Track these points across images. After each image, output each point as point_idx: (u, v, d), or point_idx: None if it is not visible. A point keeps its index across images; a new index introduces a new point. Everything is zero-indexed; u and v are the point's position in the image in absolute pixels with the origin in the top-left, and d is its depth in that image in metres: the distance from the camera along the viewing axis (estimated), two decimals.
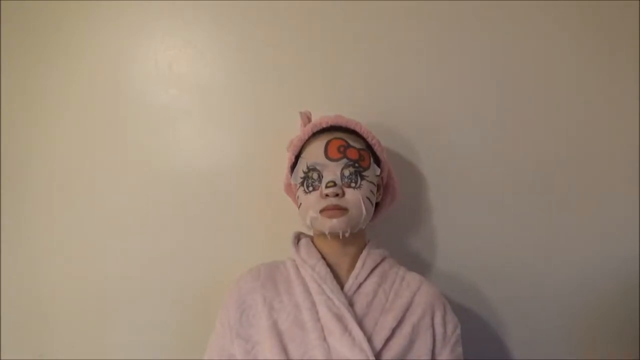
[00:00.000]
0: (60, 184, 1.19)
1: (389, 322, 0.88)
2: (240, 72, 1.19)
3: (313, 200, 0.91)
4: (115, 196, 1.18)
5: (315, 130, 0.96)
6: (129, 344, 1.18)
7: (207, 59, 1.20)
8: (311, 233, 1.01)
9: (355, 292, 0.92)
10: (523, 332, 1.18)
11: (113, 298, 1.18)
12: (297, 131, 1.00)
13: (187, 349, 1.14)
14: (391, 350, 0.86)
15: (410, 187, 1.16)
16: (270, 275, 0.95)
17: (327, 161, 0.91)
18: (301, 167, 0.95)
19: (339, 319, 0.87)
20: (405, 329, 0.89)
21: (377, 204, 1.00)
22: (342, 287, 0.93)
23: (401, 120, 1.17)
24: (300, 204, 0.94)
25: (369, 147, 0.97)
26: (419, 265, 1.17)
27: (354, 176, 0.91)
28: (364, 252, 0.97)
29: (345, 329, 0.86)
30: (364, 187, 0.91)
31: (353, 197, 0.90)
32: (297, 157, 0.97)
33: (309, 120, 1.01)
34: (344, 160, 0.91)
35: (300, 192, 0.94)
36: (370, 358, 0.83)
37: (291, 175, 0.98)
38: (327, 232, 0.91)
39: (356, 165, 0.92)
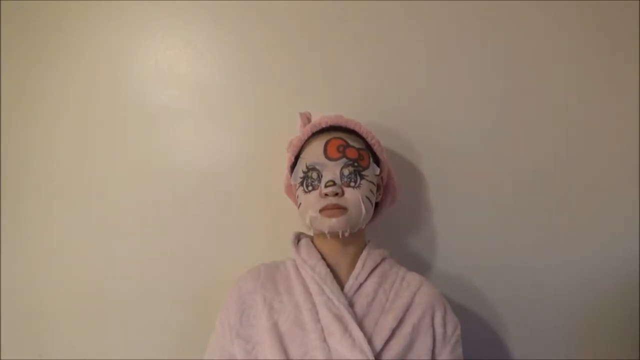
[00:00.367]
0: (60, 184, 1.19)
1: (389, 322, 0.88)
2: (240, 72, 1.20)
3: (312, 200, 0.91)
4: (115, 196, 1.18)
5: (314, 130, 0.96)
6: (129, 344, 1.18)
7: (207, 59, 1.20)
8: (311, 233, 1.01)
9: (355, 292, 0.92)
10: (523, 332, 1.18)
11: (113, 298, 1.18)
12: (296, 131, 1.00)
13: (187, 349, 1.14)
14: (391, 350, 0.86)
15: (410, 187, 1.16)
16: (270, 275, 0.95)
17: (326, 161, 0.91)
18: (301, 167, 0.95)
19: (339, 319, 0.87)
20: (405, 329, 0.89)
21: (377, 204, 1.00)
22: (342, 287, 0.93)
23: (401, 120, 1.17)
24: (300, 203, 0.94)
25: (368, 147, 0.97)
26: (419, 265, 1.17)
27: (353, 175, 0.91)
28: (364, 252, 0.96)
29: (346, 329, 0.86)
30: (363, 186, 0.92)
31: (352, 196, 0.90)
32: (297, 157, 0.97)
33: (309, 120, 1.01)
34: (343, 160, 0.91)
35: (299, 191, 0.94)
36: (370, 359, 0.83)
37: (291, 176, 0.98)
38: (326, 232, 0.91)
39: (355, 164, 0.92)
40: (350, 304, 0.90)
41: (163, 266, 1.18)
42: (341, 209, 0.89)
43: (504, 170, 1.18)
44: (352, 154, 0.92)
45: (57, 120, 1.20)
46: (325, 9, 1.18)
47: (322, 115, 0.99)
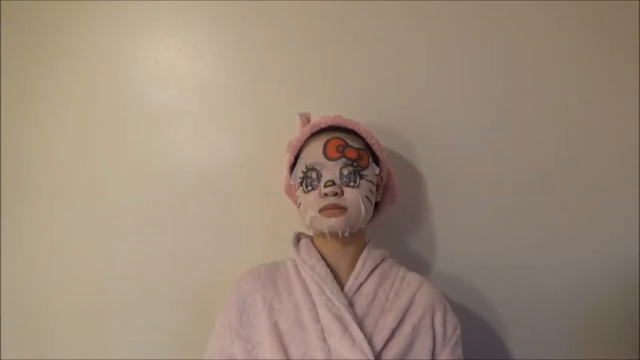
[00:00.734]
0: (60, 184, 1.19)
1: (389, 322, 0.88)
2: (240, 72, 1.20)
3: (312, 200, 0.91)
4: (115, 196, 1.18)
5: (314, 130, 0.96)
6: (129, 344, 1.18)
7: (207, 59, 1.20)
8: (311, 233, 1.01)
9: (355, 292, 0.92)
10: (523, 332, 1.18)
11: (113, 298, 1.18)
12: (296, 131, 1.00)
13: (187, 349, 1.14)
14: (391, 350, 0.86)
15: (410, 187, 1.16)
16: (270, 275, 0.95)
17: (325, 161, 0.91)
18: (300, 167, 0.95)
19: (339, 319, 0.87)
20: (405, 329, 0.89)
21: (376, 204, 1.00)
22: (342, 287, 0.93)
23: (401, 120, 1.17)
24: (300, 203, 0.94)
25: (367, 147, 0.96)
26: (419, 265, 1.17)
27: (352, 175, 0.91)
28: (364, 252, 0.96)
29: (346, 330, 0.86)
30: (362, 186, 0.91)
31: (352, 196, 0.90)
32: (296, 157, 0.97)
33: (308, 121, 1.01)
34: (343, 160, 0.91)
35: (299, 192, 0.94)
36: (371, 359, 0.83)
37: (290, 176, 0.98)
38: (326, 232, 0.91)
39: (355, 164, 0.92)
40: (350, 304, 0.90)
41: (163, 266, 1.18)
42: (341, 209, 0.89)
43: (504, 170, 1.18)
44: (352, 153, 0.92)
45: (57, 120, 1.20)
46: (325, 9, 1.18)
47: (322, 115, 0.99)
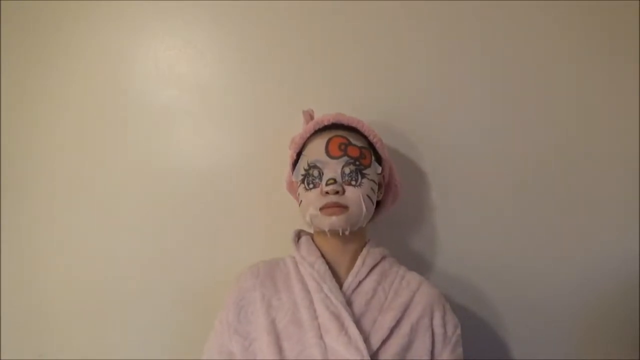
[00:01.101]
0: (60, 184, 1.19)
1: (387, 321, 0.88)
2: (240, 72, 1.20)
3: (313, 198, 0.91)
4: (115, 196, 1.18)
5: (317, 127, 0.96)
6: (129, 344, 1.18)
7: (207, 59, 1.20)
8: (312, 230, 1.01)
9: (354, 290, 0.92)
10: (523, 332, 1.18)
11: (113, 298, 1.18)
12: (297, 131, 1.00)
13: (187, 349, 1.13)
14: (389, 350, 0.86)
15: (411, 187, 1.16)
16: (269, 272, 0.95)
17: (328, 159, 0.91)
18: (302, 164, 0.95)
19: (336, 317, 0.87)
20: (404, 329, 0.89)
21: (378, 203, 1.01)
22: (341, 285, 0.93)
23: (401, 120, 1.17)
24: (301, 201, 0.94)
25: (370, 146, 0.97)
26: (419, 264, 1.17)
27: (354, 174, 0.91)
28: (364, 251, 0.97)
29: (342, 327, 0.86)
30: (364, 185, 0.91)
31: (353, 195, 0.90)
32: (299, 154, 0.97)
33: (312, 118, 1.01)
34: (345, 158, 0.91)
35: (301, 189, 0.95)
36: (366, 358, 0.83)
37: (292, 173, 0.98)
38: (326, 230, 0.91)
39: (357, 163, 0.92)
40: (349, 302, 0.90)
41: (163, 266, 1.17)
42: (342, 208, 0.89)
43: (504, 170, 1.18)
44: (354, 152, 0.92)
45: (57, 120, 1.20)
46: (325, 9, 1.18)
47: (323, 114, 0.99)
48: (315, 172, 0.92)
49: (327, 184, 0.90)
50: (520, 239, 1.18)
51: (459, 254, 1.18)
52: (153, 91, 1.20)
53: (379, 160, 0.97)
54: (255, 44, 1.19)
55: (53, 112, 1.20)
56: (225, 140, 1.20)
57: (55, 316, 1.19)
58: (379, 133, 0.99)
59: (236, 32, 1.19)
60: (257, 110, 1.18)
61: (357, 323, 0.87)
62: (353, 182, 0.91)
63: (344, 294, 0.91)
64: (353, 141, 0.93)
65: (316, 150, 0.93)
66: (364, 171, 0.92)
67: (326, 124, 0.96)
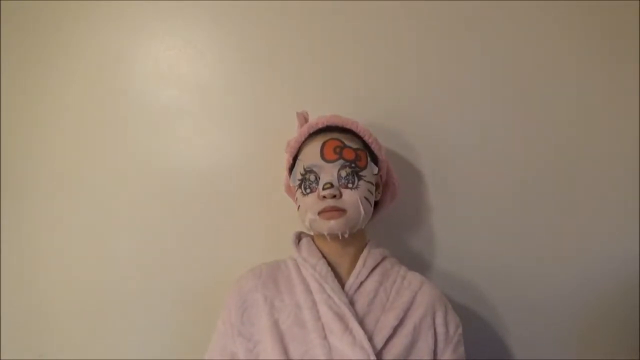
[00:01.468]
0: (60, 184, 1.19)
1: (390, 321, 0.88)
2: (240, 72, 1.20)
3: (311, 202, 0.91)
4: (115, 196, 1.18)
5: (311, 131, 0.96)
6: (129, 344, 1.18)
7: (207, 59, 1.20)
8: (311, 233, 1.01)
9: (356, 291, 0.92)
10: (523, 332, 1.18)
11: (113, 298, 1.18)
12: (296, 131, 1.00)
13: (187, 349, 1.14)
14: (393, 349, 0.86)
15: (410, 187, 1.16)
16: (271, 274, 0.95)
17: (323, 163, 0.91)
18: (298, 169, 0.95)
19: (340, 317, 0.87)
20: (407, 328, 0.89)
21: (376, 202, 1.00)
22: (343, 286, 0.93)
23: (401, 120, 1.17)
24: (299, 205, 0.94)
25: (366, 146, 0.96)
26: (419, 264, 1.17)
27: (351, 177, 0.91)
28: (365, 251, 0.97)
29: (346, 327, 0.86)
30: (361, 187, 0.91)
31: (351, 198, 0.90)
32: (295, 158, 0.97)
33: (306, 120, 1.01)
34: (340, 161, 0.91)
35: (298, 194, 0.94)
36: (372, 357, 0.83)
37: (290, 177, 0.98)
38: (326, 234, 0.91)
39: (353, 165, 0.91)
40: (351, 302, 0.90)
41: (163, 266, 1.17)
42: (340, 211, 0.89)
43: (504, 170, 1.18)
44: (349, 155, 0.92)
45: (57, 120, 1.20)
46: (325, 9, 1.18)
47: (321, 115, 0.99)
48: (312, 177, 0.92)
49: (323, 188, 0.89)
50: (520, 239, 1.18)
51: (459, 254, 1.18)
52: (153, 91, 1.20)
53: (375, 160, 0.97)
54: (255, 44, 1.19)
55: (53, 112, 1.20)
56: (225, 140, 1.20)
57: (55, 316, 1.19)
58: (378, 133, 0.99)
59: (236, 32, 1.19)
60: (257, 110, 1.18)
61: (361, 323, 0.87)
62: (350, 185, 0.91)
63: (346, 294, 0.91)
64: (348, 143, 0.93)
65: (311, 154, 0.93)
66: (360, 173, 0.92)
67: (320, 127, 0.96)
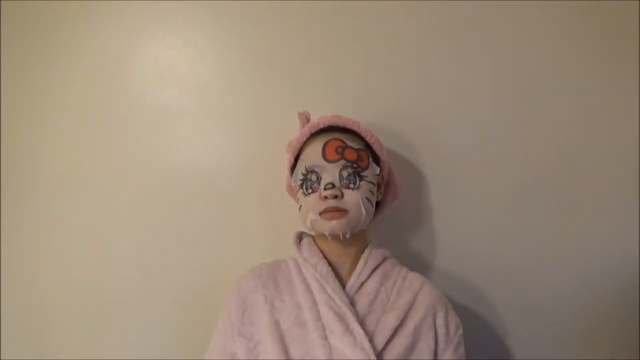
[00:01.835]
0: (60, 184, 1.19)
1: (390, 321, 0.88)
2: (240, 72, 1.19)
3: (312, 202, 0.91)
4: (115, 196, 1.18)
5: (313, 131, 0.96)
6: (129, 344, 1.18)
7: (207, 59, 1.20)
8: (313, 233, 1.01)
9: (357, 291, 0.92)
10: (523, 332, 1.18)
11: (113, 298, 1.18)
12: (296, 131, 1.00)
13: (187, 349, 1.14)
14: (393, 349, 0.86)
15: (411, 187, 1.16)
16: (271, 274, 0.95)
17: (325, 163, 0.91)
18: (300, 169, 0.95)
19: (341, 318, 0.87)
20: (408, 329, 0.89)
21: (378, 202, 1.00)
22: (343, 286, 0.93)
23: (401, 120, 1.17)
24: (301, 205, 0.94)
25: (367, 147, 0.96)
26: (420, 265, 1.17)
27: (352, 177, 0.91)
28: (366, 252, 0.96)
29: (347, 328, 0.86)
30: (363, 187, 0.91)
31: (352, 198, 0.90)
32: (297, 158, 0.97)
33: (308, 120, 1.01)
34: (342, 162, 0.91)
35: (299, 194, 0.94)
36: (372, 358, 0.83)
37: (291, 177, 0.98)
38: (327, 234, 0.91)
39: (354, 166, 0.91)
40: (352, 303, 0.90)
41: (163, 266, 1.17)
42: (341, 212, 0.89)
43: (504, 171, 1.18)
44: (351, 155, 0.92)
45: (57, 120, 1.20)
46: (325, 9, 1.18)
47: (321, 115, 0.99)
48: (314, 177, 0.92)
49: (325, 189, 0.89)
50: (520, 239, 1.18)
51: (459, 254, 1.18)
52: (153, 91, 1.20)
53: (377, 160, 0.97)
54: (255, 44, 1.19)
55: (53, 112, 1.20)
56: (225, 140, 1.19)
57: (55, 316, 1.19)
58: (378, 133, 0.99)
59: (236, 32, 1.19)
60: (257, 110, 1.18)
61: (361, 323, 0.87)
62: (351, 186, 0.91)
63: (346, 294, 0.91)
64: (350, 143, 0.93)
65: (313, 154, 0.93)
66: (362, 173, 0.92)
67: (322, 127, 0.96)
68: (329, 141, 0.93)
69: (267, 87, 1.18)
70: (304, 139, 0.97)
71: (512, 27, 1.19)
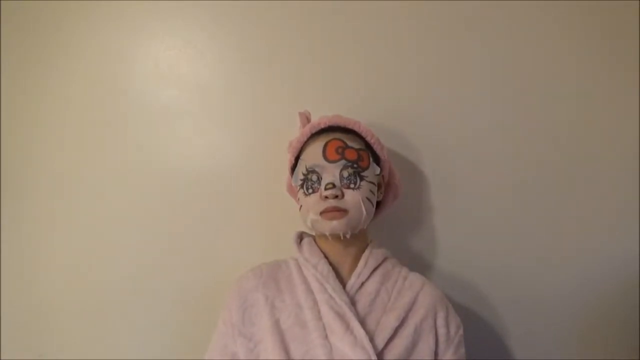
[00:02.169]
0: (60, 184, 1.19)
1: (391, 321, 0.88)
2: (240, 72, 1.20)
3: (313, 202, 0.91)
4: (115, 196, 1.18)
5: (313, 131, 0.96)
6: (129, 344, 1.18)
7: (207, 59, 1.20)
8: (313, 233, 1.01)
9: (357, 291, 0.92)
10: (523, 332, 1.18)
11: (113, 298, 1.18)
12: (297, 131, 1.00)
13: (187, 349, 1.14)
14: (394, 349, 0.86)
15: (411, 187, 1.16)
16: (272, 274, 0.95)
17: (325, 163, 0.91)
18: (300, 169, 0.95)
19: (341, 317, 0.87)
20: (408, 329, 0.89)
21: (378, 202, 1.00)
22: (344, 286, 0.93)
23: (401, 120, 1.17)
24: (301, 205, 0.94)
25: (368, 147, 0.96)
26: (420, 265, 1.17)
27: (353, 177, 0.91)
28: (366, 252, 0.96)
29: (347, 327, 0.86)
30: (363, 187, 0.91)
31: (352, 198, 0.90)
32: (297, 158, 0.97)
33: (308, 120, 1.01)
34: (343, 162, 0.91)
35: (300, 194, 0.94)
36: (372, 358, 0.83)
37: (292, 177, 0.98)
38: (328, 234, 0.91)
39: (355, 166, 0.91)
40: (352, 303, 0.90)
41: (163, 266, 1.17)
42: (341, 212, 0.89)
43: (504, 170, 1.18)
44: (351, 155, 0.92)
45: (57, 120, 1.20)
46: (325, 9, 1.18)
47: (321, 115, 0.99)
48: (314, 177, 0.92)
49: (325, 189, 0.89)
50: (520, 239, 1.18)
51: (459, 254, 1.18)
52: (153, 91, 1.20)
53: (377, 160, 0.97)
54: (255, 44, 1.19)
55: (53, 112, 1.20)
56: (225, 140, 1.19)
57: (55, 316, 1.19)
58: (378, 133, 0.99)
59: (236, 32, 1.19)
60: (257, 110, 1.18)
61: (362, 323, 0.87)
62: (352, 186, 0.91)
63: (347, 294, 0.91)
64: (350, 143, 0.93)
65: (314, 154, 0.93)
66: (362, 174, 0.92)
67: (323, 127, 0.96)
68: (329, 141, 0.93)
69: (267, 87, 1.18)
70: (305, 139, 0.97)
71: (512, 27, 1.19)
